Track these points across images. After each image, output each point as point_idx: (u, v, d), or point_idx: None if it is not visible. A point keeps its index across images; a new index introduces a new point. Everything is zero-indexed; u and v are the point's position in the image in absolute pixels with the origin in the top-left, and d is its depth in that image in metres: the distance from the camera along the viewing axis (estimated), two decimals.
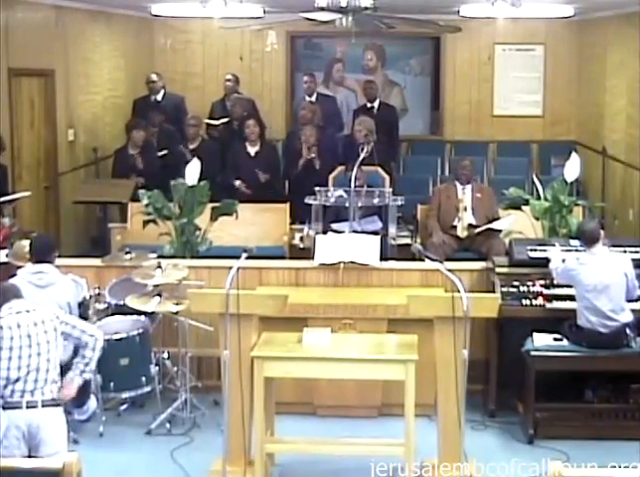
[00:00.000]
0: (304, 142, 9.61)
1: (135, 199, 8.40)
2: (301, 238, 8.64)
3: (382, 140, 9.90)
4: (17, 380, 4.80)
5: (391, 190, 8.30)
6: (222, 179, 9.56)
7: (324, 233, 7.74)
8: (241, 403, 5.48)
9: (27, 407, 4.80)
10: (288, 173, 10.01)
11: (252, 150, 9.77)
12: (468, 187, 8.51)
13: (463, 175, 8.56)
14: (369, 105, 11.36)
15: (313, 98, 11.35)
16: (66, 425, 4.98)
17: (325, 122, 10.74)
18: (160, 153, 10.26)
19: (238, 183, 9.60)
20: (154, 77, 11.47)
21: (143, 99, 11.50)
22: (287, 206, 9.08)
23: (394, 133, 11.24)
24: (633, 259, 6.53)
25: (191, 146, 9.98)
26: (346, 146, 9.97)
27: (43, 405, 4.83)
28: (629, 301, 6.42)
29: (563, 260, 6.55)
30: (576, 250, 6.75)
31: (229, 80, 11.62)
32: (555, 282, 6.72)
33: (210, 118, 11.22)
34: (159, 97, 11.42)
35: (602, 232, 6.47)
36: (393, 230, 8.22)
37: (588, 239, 6.39)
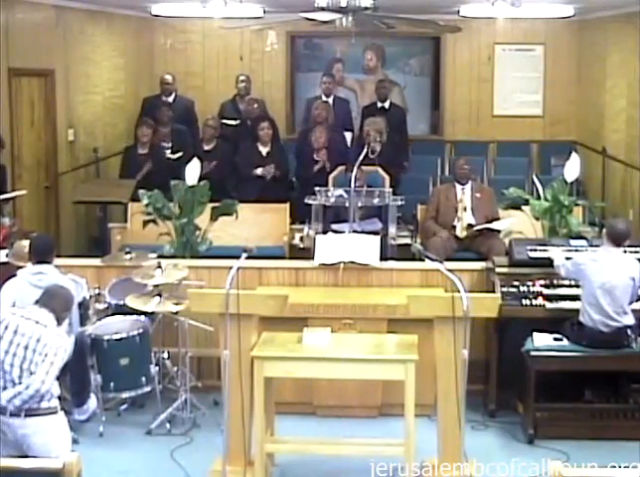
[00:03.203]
0: (314, 142, 9.60)
1: (135, 199, 8.40)
2: (301, 238, 8.64)
3: (392, 140, 9.87)
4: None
5: (391, 190, 8.31)
6: (238, 176, 9.53)
7: (324, 233, 7.74)
8: (242, 403, 5.48)
9: (10, 416, 4.79)
10: (301, 173, 9.98)
11: (264, 150, 9.75)
12: (467, 187, 8.48)
13: (461, 174, 8.51)
14: (379, 105, 11.35)
15: (330, 99, 11.25)
16: (65, 432, 4.94)
17: (337, 124, 10.72)
18: (174, 156, 10.16)
19: (260, 170, 9.56)
20: (169, 78, 11.43)
21: (153, 99, 11.46)
22: (287, 206, 9.08)
23: (403, 134, 11.23)
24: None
25: (206, 147, 9.95)
26: (355, 147, 9.89)
27: (26, 415, 4.81)
28: (629, 303, 6.40)
29: (567, 259, 6.53)
30: (576, 250, 6.75)
31: (243, 81, 11.53)
32: (555, 282, 6.72)
33: (220, 118, 11.16)
34: (170, 99, 11.39)
35: (629, 239, 6.39)
36: (393, 230, 8.22)
37: (615, 239, 6.33)
